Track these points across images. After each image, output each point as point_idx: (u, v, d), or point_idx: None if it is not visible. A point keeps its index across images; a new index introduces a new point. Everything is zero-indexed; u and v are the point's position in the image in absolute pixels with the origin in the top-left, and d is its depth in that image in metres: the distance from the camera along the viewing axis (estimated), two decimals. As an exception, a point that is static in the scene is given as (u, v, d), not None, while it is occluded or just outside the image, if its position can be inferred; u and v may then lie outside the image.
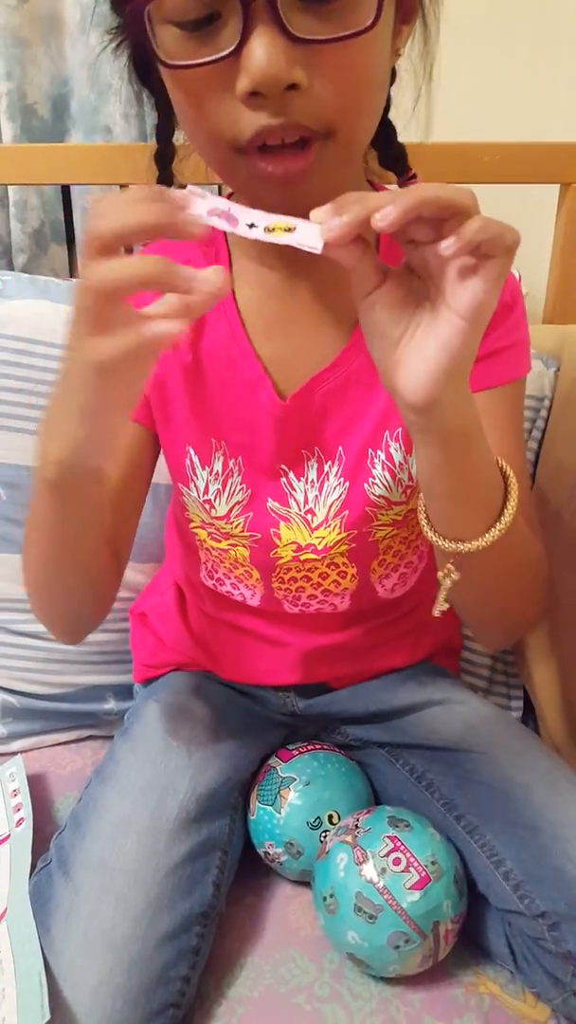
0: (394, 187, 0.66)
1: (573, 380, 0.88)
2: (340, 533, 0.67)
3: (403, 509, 0.67)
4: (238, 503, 0.67)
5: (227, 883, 0.69)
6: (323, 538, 0.67)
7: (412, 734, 0.75)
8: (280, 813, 0.72)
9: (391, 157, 0.65)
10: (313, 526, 0.67)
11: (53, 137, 1.05)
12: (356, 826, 0.67)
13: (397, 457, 0.64)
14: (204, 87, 0.47)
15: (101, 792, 0.69)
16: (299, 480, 0.66)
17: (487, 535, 0.52)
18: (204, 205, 0.42)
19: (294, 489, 0.67)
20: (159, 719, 0.74)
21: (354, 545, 0.68)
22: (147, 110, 0.88)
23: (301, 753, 0.77)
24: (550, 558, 0.65)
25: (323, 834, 0.71)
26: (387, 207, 0.39)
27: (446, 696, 0.77)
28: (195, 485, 0.68)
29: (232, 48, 0.44)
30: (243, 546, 0.69)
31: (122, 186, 0.97)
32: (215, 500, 0.68)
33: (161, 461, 0.70)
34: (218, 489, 0.67)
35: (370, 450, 0.65)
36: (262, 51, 0.43)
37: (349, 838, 0.66)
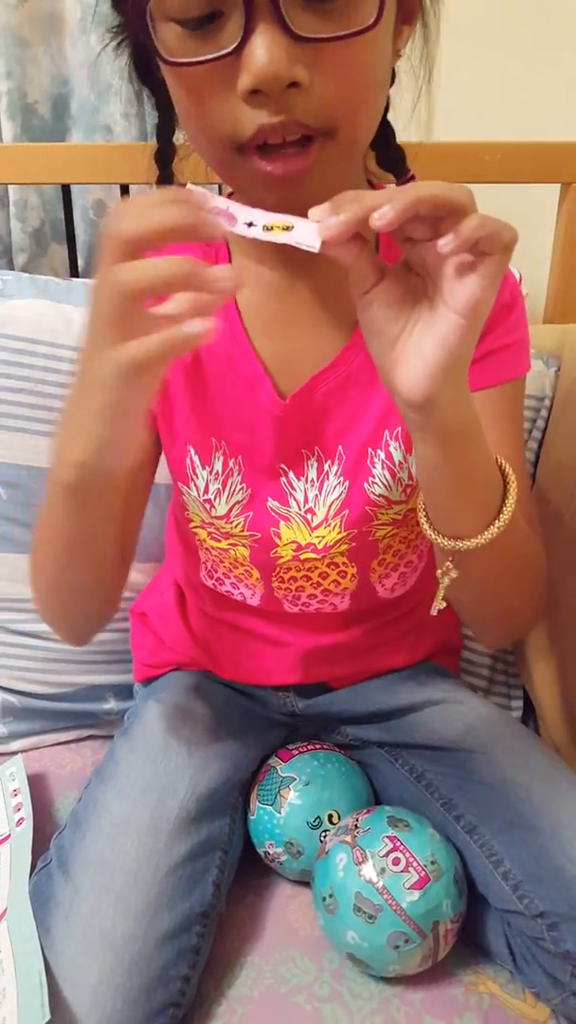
0: (392, 186, 0.66)
1: (573, 380, 0.88)
2: (340, 532, 0.67)
3: (403, 508, 0.67)
4: (238, 502, 0.67)
5: (227, 883, 0.69)
6: (323, 537, 0.67)
7: (412, 734, 0.75)
8: (280, 813, 0.72)
9: (390, 158, 0.65)
10: (313, 525, 0.67)
11: (53, 136, 1.05)
12: (355, 826, 0.67)
13: (397, 456, 0.64)
14: (205, 85, 0.47)
15: (101, 792, 0.69)
16: (299, 479, 0.66)
17: (486, 533, 0.52)
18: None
19: (294, 488, 0.67)
20: (159, 719, 0.74)
21: (354, 544, 0.68)
22: (147, 109, 0.88)
23: (301, 753, 0.77)
24: (550, 558, 0.65)
25: (323, 834, 0.71)
26: (384, 207, 0.39)
27: (446, 696, 0.77)
28: (195, 484, 0.68)
29: (234, 46, 0.44)
30: (243, 545, 0.69)
31: (122, 186, 0.98)
32: (215, 499, 0.68)
33: (161, 461, 0.70)
34: (218, 488, 0.67)
35: (370, 449, 0.65)
36: (264, 49, 0.43)
37: (348, 838, 0.66)
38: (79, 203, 1.05)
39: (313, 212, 0.41)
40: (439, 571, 0.55)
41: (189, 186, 0.44)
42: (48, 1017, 0.53)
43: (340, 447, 0.65)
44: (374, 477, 0.65)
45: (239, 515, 0.68)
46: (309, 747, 0.78)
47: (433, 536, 0.54)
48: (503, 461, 0.54)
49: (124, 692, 0.91)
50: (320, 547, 0.67)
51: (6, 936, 0.60)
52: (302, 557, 0.68)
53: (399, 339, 0.45)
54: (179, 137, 0.63)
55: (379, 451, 0.65)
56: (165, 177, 0.66)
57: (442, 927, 0.63)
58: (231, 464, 0.66)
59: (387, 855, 0.64)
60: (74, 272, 1.06)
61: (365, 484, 0.65)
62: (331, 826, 0.72)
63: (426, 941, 0.62)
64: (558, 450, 0.88)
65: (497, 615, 0.65)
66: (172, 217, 0.40)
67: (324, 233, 0.41)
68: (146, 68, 0.57)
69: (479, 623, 0.68)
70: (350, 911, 0.63)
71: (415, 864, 0.63)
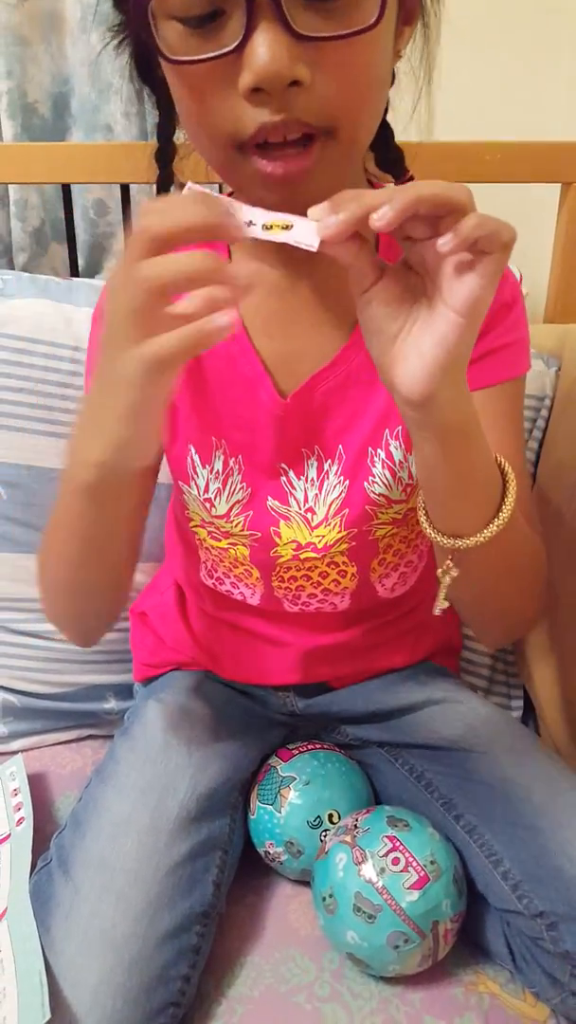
0: (391, 186, 0.66)
1: (574, 379, 0.88)
2: (340, 532, 0.67)
3: (403, 508, 0.67)
4: (238, 502, 0.67)
5: (227, 882, 0.69)
6: (323, 537, 0.67)
7: (412, 734, 0.75)
8: (280, 812, 0.72)
9: (389, 159, 0.65)
10: (313, 525, 0.67)
11: (54, 136, 1.05)
12: (355, 826, 0.67)
13: (397, 455, 0.64)
14: (207, 83, 0.47)
15: (101, 791, 0.69)
16: (299, 479, 0.66)
17: (485, 531, 0.52)
18: None
19: (294, 488, 0.67)
20: (159, 719, 0.74)
21: (354, 544, 0.68)
22: (148, 109, 0.88)
23: (301, 752, 0.77)
24: (550, 557, 0.65)
25: (323, 833, 0.71)
26: (383, 206, 0.39)
27: (446, 696, 0.77)
28: (195, 484, 0.68)
29: (236, 44, 0.44)
30: (243, 545, 0.69)
31: (123, 185, 0.98)
32: (215, 499, 0.68)
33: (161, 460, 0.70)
34: (218, 488, 0.67)
35: (370, 448, 0.65)
36: (265, 48, 0.43)
37: (348, 838, 0.66)
38: (79, 203, 1.05)
39: (312, 211, 0.41)
40: (439, 570, 0.55)
41: (189, 184, 0.44)
42: (48, 1017, 0.53)
43: (340, 446, 0.65)
44: (374, 476, 0.65)
45: (239, 514, 0.68)
46: (309, 747, 0.78)
47: (433, 534, 0.54)
48: (502, 460, 0.54)
49: (124, 692, 0.91)
50: (320, 546, 0.67)
51: (6, 936, 0.60)
52: (302, 556, 0.68)
53: (398, 337, 0.45)
54: (180, 136, 0.63)
55: (379, 450, 0.65)
56: (165, 176, 0.66)
57: (442, 927, 0.63)
58: (231, 463, 0.66)
59: (387, 855, 0.64)
60: (74, 272, 1.06)
61: (365, 483, 0.65)
62: (331, 825, 0.71)
63: (426, 941, 0.62)
64: (558, 450, 0.88)
65: (497, 614, 0.65)
66: (198, 216, 0.41)
67: (323, 232, 0.41)
68: (147, 67, 0.57)
69: (479, 622, 0.68)
70: (350, 911, 0.63)
71: (415, 864, 0.63)
